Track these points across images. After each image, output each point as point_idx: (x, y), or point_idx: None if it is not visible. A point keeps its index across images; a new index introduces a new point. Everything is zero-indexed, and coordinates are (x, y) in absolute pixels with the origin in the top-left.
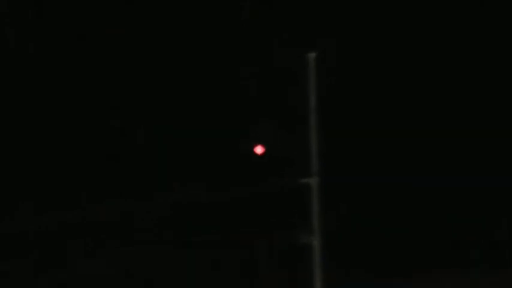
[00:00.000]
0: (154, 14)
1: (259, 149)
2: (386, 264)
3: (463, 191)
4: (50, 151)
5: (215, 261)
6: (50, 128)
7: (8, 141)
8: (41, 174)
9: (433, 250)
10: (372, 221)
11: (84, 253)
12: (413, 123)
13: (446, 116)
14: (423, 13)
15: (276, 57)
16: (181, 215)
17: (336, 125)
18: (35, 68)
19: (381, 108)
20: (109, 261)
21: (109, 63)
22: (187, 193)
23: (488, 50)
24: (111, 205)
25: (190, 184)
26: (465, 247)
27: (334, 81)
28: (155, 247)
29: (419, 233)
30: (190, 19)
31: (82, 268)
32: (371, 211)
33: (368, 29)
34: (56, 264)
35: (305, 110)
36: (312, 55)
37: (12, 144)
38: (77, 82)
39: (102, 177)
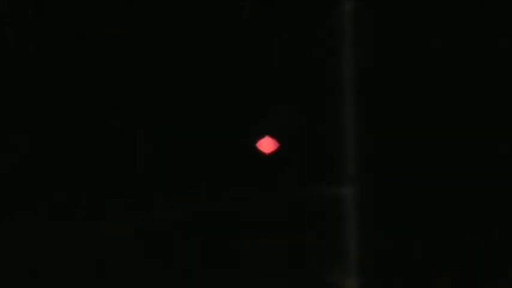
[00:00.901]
0: (154, 14)
1: (267, 145)
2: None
3: (463, 191)
4: (50, 151)
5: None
6: (50, 128)
7: (8, 141)
8: (40, 174)
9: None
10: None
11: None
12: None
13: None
14: None
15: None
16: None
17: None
18: (35, 68)
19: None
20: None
21: (109, 63)
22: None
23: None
24: (112, 205)
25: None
26: (465, 247)
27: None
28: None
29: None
30: (190, 19)
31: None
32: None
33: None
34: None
35: (338, 91)
36: (349, 6)
37: (12, 144)
38: (76, 82)
39: (102, 177)
